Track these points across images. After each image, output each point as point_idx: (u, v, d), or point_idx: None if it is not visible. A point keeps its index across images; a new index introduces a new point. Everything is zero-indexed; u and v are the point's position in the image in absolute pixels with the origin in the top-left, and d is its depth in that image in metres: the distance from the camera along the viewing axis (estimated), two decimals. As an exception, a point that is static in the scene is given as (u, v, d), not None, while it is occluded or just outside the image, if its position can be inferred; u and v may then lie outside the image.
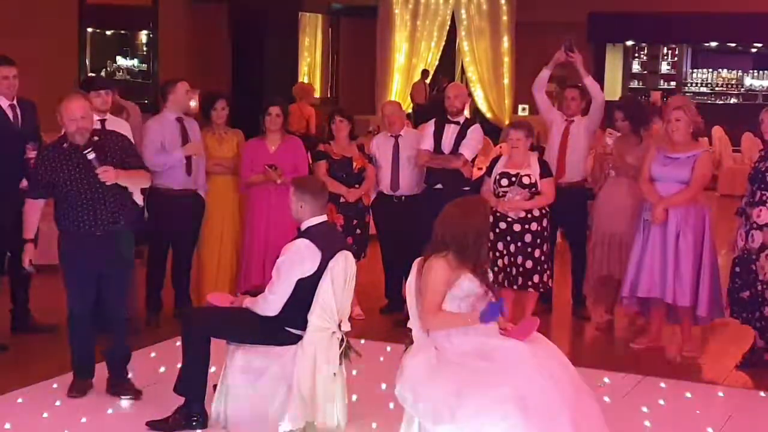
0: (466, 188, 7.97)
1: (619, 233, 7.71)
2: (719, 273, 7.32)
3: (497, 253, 7.64)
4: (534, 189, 7.58)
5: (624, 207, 7.67)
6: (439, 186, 7.93)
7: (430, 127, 8.26)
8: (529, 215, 7.58)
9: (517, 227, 7.57)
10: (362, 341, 6.67)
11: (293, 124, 14.18)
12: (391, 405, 5.39)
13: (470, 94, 17.67)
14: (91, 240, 5.97)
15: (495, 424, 4.52)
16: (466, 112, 9.07)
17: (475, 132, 8.16)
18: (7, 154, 7.12)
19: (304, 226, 5.45)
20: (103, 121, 7.32)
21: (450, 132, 8.13)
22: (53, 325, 7.50)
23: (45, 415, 5.80)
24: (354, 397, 5.75)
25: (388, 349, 6.92)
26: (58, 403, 5.98)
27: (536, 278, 7.61)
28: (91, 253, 5.99)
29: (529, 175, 7.57)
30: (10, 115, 7.23)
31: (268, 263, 7.55)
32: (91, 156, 5.92)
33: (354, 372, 5.90)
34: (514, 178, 7.58)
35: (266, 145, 7.99)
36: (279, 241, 6.55)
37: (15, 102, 7.26)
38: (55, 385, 6.27)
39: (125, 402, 6.00)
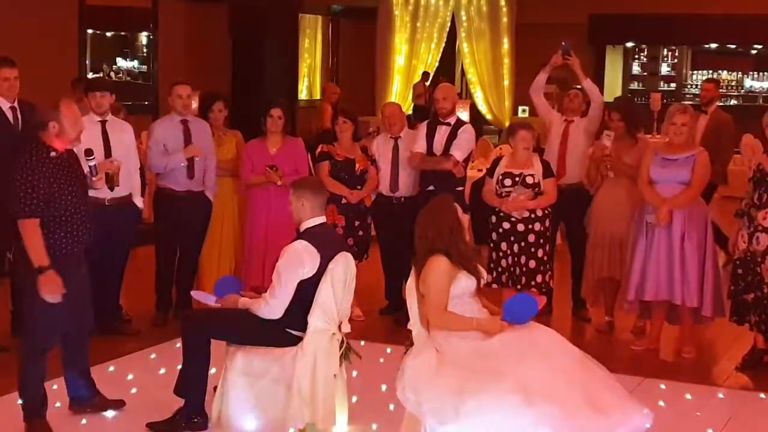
0: (459, 189, 7.97)
1: (618, 234, 7.70)
2: (720, 273, 7.33)
3: (500, 253, 7.65)
4: (537, 189, 7.58)
5: (623, 208, 7.66)
6: (431, 188, 7.92)
7: (422, 129, 8.26)
8: (533, 215, 7.58)
9: (520, 227, 7.57)
10: (362, 342, 6.68)
11: (324, 122, 14.32)
12: (392, 406, 5.39)
13: (463, 95, 17.67)
14: (74, 258, 5.58)
15: (501, 417, 4.53)
16: (466, 115, 9.07)
17: (465, 133, 8.13)
18: (7, 156, 7.11)
19: (303, 227, 5.45)
20: (104, 122, 7.33)
21: (441, 133, 8.11)
22: None
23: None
24: (354, 399, 5.75)
25: (389, 350, 6.93)
26: (58, 404, 5.97)
27: (539, 278, 7.61)
28: (75, 274, 5.58)
29: (532, 175, 7.58)
30: (10, 117, 7.23)
31: (267, 265, 7.56)
32: (93, 163, 5.75)
33: (354, 373, 5.90)
34: (517, 178, 7.58)
35: (267, 146, 7.99)
36: (279, 242, 6.55)
37: (15, 104, 7.26)
38: (54, 387, 6.26)
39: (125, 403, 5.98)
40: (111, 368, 6.69)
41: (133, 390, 6.20)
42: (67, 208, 5.48)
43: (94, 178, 5.89)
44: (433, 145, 8.09)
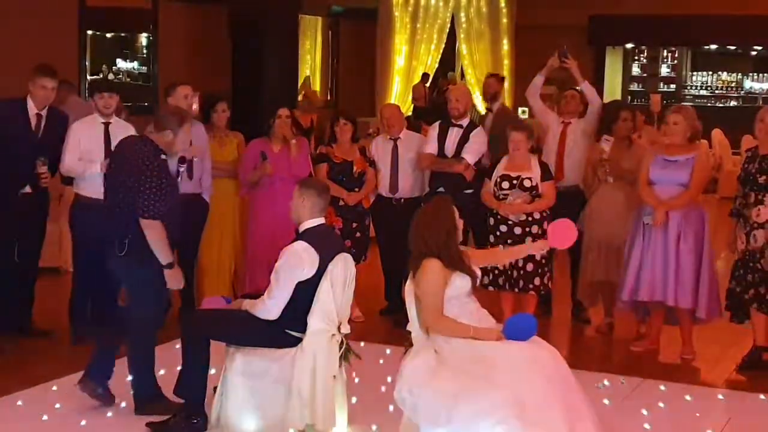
0: (469, 191, 7.96)
1: (615, 238, 7.68)
2: (717, 274, 7.32)
3: (497, 256, 7.64)
4: (535, 192, 7.57)
5: (620, 212, 7.65)
6: (441, 189, 7.91)
7: (433, 130, 8.25)
8: (530, 218, 7.58)
9: (518, 230, 7.57)
10: (362, 344, 6.68)
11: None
12: (391, 407, 5.39)
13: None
14: None
15: (491, 428, 4.53)
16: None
17: (478, 136, 8.15)
18: (16, 157, 7.14)
19: (302, 228, 5.46)
20: (107, 125, 7.32)
21: (453, 135, 8.12)
22: (50, 330, 7.49)
23: (45, 417, 5.80)
24: (354, 400, 5.75)
25: (388, 351, 6.93)
26: (57, 405, 5.98)
27: (537, 281, 7.60)
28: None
29: (530, 178, 7.57)
30: (33, 123, 7.28)
31: (273, 265, 7.53)
32: (182, 170, 6.22)
33: (353, 374, 5.90)
34: (515, 181, 7.57)
35: (270, 146, 7.94)
36: (285, 242, 6.55)
37: (43, 111, 7.30)
38: (54, 388, 6.28)
39: (124, 404, 5.98)
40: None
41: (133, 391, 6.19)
42: (168, 208, 5.73)
43: (179, 181, 6.24)
44: (445, 147, 8.09)
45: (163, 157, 5.75)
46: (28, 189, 7.27)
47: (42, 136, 7.32)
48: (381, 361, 6.71)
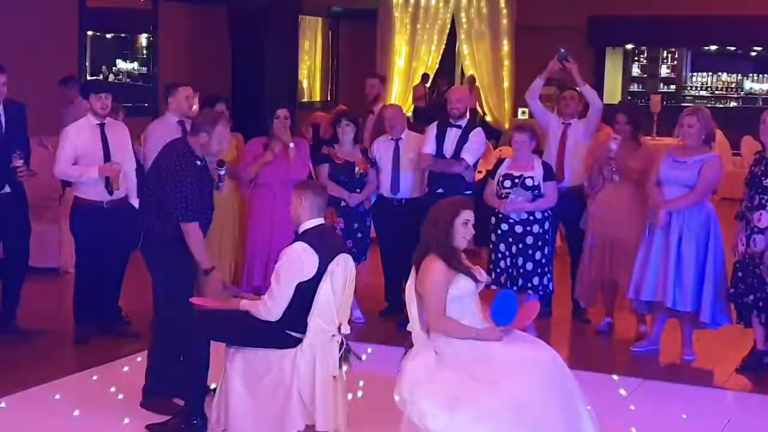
0: (468, 192, 7.96)
1: (618, 237, 7.68)
2: (727, 278, 7.27)
3: (499, 255, 7.65)
4: (537, 191, 7.58)
5: (625, 211, 7.65)
6: (441, 190, 7.91)
7: (432, 130, 8.25)
8: (531, 217, 7.58)
9: (518, 229, 7.58)
10: (362, 344, 6.69)
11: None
12: (391, 408, 5.39)
13: (476, 93, 17.54)
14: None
15: (492, 430, 4.53)
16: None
17: (477, 136, 8.15)
18: None
19: (301, 229, 5.45)
20: (102, 125, 7.32)
21: (452, 136, 8.12)
22: (32, 329, 7.46)
23: (44, 418, 5.80)
24: (353, 400, 5.75)
25: (388, 352, 6.91)
26: (57, 406, 5.98)
27: (536, 280, 7.61)
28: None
29: (532, 177, 7.58)
30: None
31: (270, 265, 7.53)
32: (222, 172, 6.18)
33: (353, 375, 5.89)
34: (517, 180, 7.58)
35: (272, 146, 7.91)
36: (283, 242, 6.55)
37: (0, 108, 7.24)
38: (54, 388, 6.27)
39: (124, 404, 5.98)
40: (111, 370, 6.68)
41: (133, 391, 6.19)
42: (202, 213, 5.81)
43: (221, 184, 6.24)
44: (444, 147, 8.09)
45: (198, 162, 5.78)
46: (7, 189, 7.23)
47: (5, 132, 7.25)
48: (381, 362, 6.70)
